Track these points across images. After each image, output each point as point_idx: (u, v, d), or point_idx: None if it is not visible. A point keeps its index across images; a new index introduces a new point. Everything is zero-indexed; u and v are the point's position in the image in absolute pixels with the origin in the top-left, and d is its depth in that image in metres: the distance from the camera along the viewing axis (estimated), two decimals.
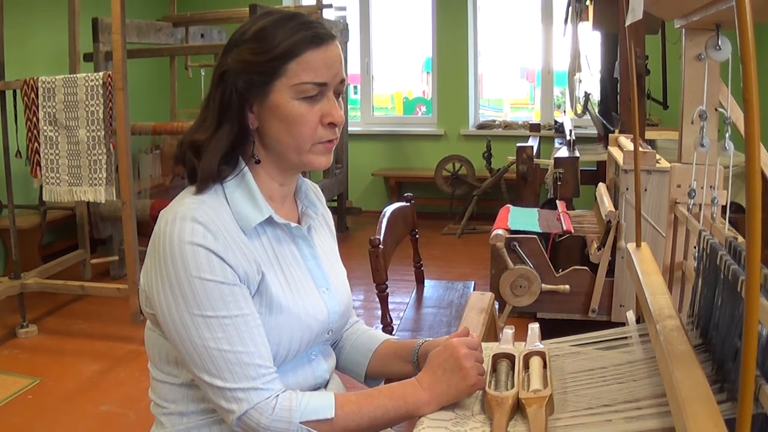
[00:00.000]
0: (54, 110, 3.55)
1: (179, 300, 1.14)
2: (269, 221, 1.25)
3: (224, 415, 1.17)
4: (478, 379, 1.21)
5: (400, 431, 2.29)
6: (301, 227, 1.33)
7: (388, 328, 2.37)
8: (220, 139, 1.21)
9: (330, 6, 5.53)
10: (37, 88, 3.56)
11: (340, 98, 1.25)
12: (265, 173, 1.27)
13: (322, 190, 1.50)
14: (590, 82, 4.92)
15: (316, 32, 1.19)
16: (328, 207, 1.52)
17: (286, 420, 1.15)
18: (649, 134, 4.41)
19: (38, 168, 3.63)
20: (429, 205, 6.51)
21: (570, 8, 4.72)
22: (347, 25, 6.12)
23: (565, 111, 6.12)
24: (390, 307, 2.45)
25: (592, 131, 5.64)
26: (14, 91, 3.71)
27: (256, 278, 1.20)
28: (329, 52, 1.20)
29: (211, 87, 1.24)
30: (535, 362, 1.26)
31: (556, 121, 6.14)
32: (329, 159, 1.26)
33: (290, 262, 1.29)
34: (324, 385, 1.37)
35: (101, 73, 3.50)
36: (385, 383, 1.42)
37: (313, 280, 1.32)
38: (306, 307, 1.27)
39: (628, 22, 1.31)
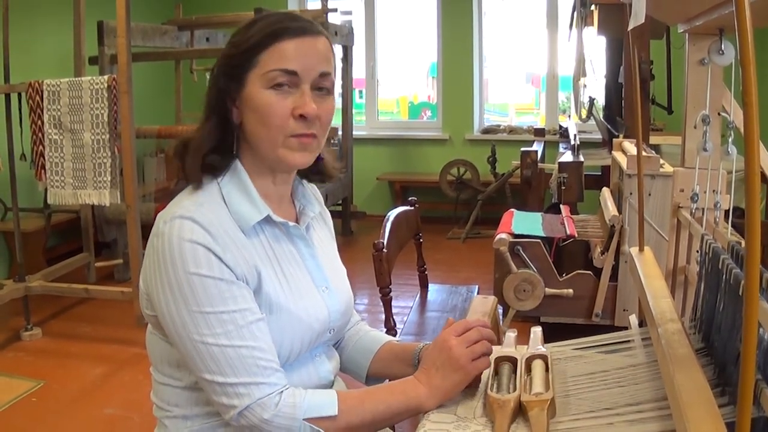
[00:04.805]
0: (59, 113, 3.56)
1: (178, 298, 1.13)
2: (267, 220, 1.25)
3: (224, 411, 1.16)
4: (473, 365, 1.22)
5: None
6: (299, 227, 1.33)
7: (391, 332, 2.37)
8: (206, 134, 1.23)
9: (335, 10, 5.54)
10: (42, 91, 3.58)
11: (328, 95, 1.24)
12: (254, 172, 1.26)
13: (326, 195, 1.50)
14: (595, 87, 4.92)
15: (289, 25, 1.18)
16: (333, 211, 1.53)
17: (290, 416, 1.15)
18: (654, 139, 4.41)
19: (43, 171, 3.64)
20: (433, 209, 6.51)
21: (575, 13, 4.71)
22: (352, 29, 6.14)
23: (569, 116, 6.12)
24: (394, 311, 2.45)
25: (597, 136, 5.63)
26: (19, 94, 3.72)
27: (255, 279, 1.20)
28: (304, 43, 1.19)
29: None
30: (538, 365, 1.26)
31: (560, 126, 6.15)
32: (306, 157, 1.24)
33: (289, 261, 1.29)
34: (329, 387, 1.36)
35: (106, 77, 3.52)
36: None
37: (312, 280, 1.32)
38: (306, 306, 1.27)
39: (630, 26, 1.31)
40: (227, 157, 1.25)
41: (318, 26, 1.23)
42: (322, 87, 1.22)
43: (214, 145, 1.23)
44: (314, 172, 1.38)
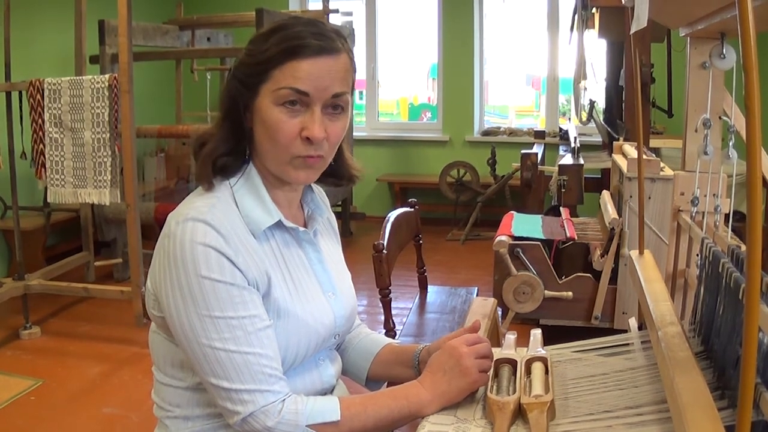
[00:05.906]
0: (59, 112, 3.56)
1: (188, 301, 1.13)
2: (278, 225, 1.25)
3: (228, 416, 1.17)
4: (479, 376, 1.23)
5: None
6: (308, 231, 1.33)
7: (391, 333, 2.37)
8: (219, 139, 1.22)
9: (336, 11, 5.54)
10: (42, 90, 3.58)
11: (342, 113, 1.21)
12: (264, 176, 1.26)
13: (326, 195, 1.49)
14: (595, 90, 4.93)
15: (308, 43, 1.15)
16: (333, 212, 1.52)
17: (293, 423, 1.15)
18: (654, 142, 4.42)
19: (43, 169, 3.64)
20: (433, 211, 6.51)
21: (576, 16, 4.72)
22: (353, 30, 6.13)
23: (570, 118, 6.12)
24: (393, 312, 2.45)
25: (597, 139, 5.64)
26: (20, 93, 3.72)
27: (265, 283, 1.20)
28: (319, 64, 1.16)
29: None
30: (537, 368, 1.26)
31: (560, 129, 6.14)
32: (309, 175, 1.23)
33: (297, 266, 1.29)
34: (331, 391, 1.37)
35: (107, 76, 3.52)
36: (387, 387, 1.43)
37: (320, 285, 1.32)
38: (313, 311, 1.27)
39: (633, 30, 1.31)
40: (239, 160, 1.25)
41: (339, 43, 1.19)
42: (336, 105, 1.20)
43: (227, 149, 1.23)
44: (327, 174, 1.33)
